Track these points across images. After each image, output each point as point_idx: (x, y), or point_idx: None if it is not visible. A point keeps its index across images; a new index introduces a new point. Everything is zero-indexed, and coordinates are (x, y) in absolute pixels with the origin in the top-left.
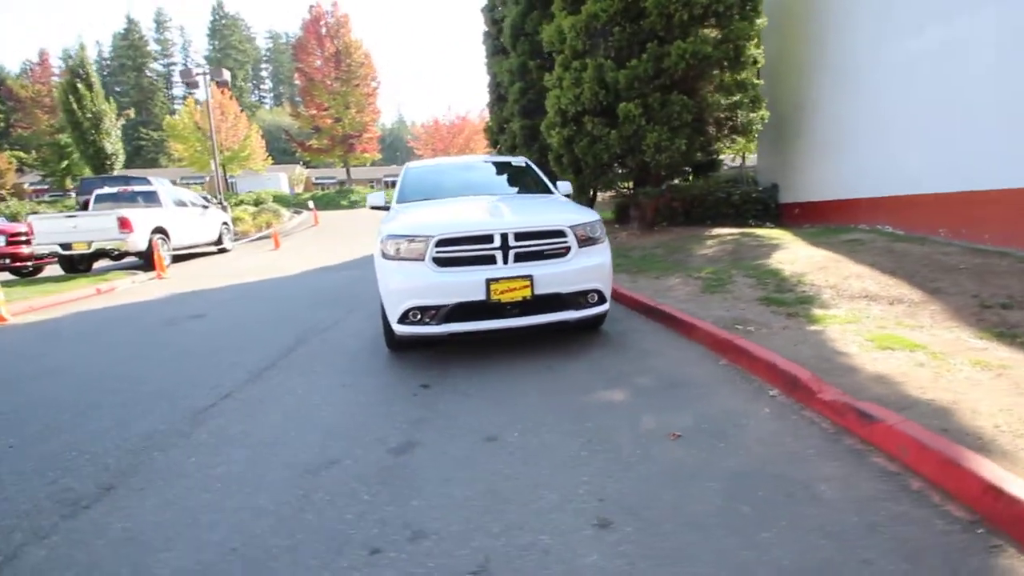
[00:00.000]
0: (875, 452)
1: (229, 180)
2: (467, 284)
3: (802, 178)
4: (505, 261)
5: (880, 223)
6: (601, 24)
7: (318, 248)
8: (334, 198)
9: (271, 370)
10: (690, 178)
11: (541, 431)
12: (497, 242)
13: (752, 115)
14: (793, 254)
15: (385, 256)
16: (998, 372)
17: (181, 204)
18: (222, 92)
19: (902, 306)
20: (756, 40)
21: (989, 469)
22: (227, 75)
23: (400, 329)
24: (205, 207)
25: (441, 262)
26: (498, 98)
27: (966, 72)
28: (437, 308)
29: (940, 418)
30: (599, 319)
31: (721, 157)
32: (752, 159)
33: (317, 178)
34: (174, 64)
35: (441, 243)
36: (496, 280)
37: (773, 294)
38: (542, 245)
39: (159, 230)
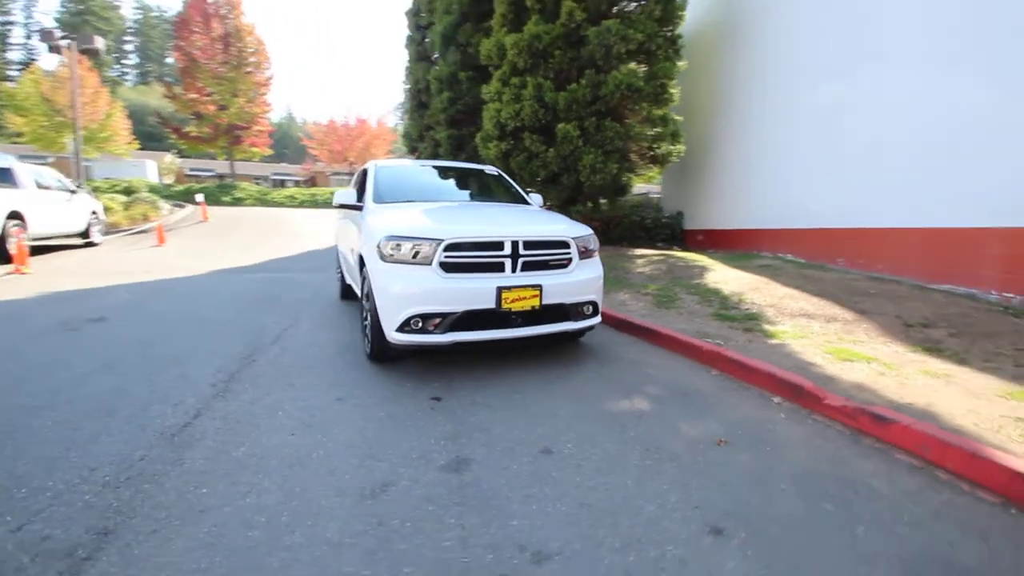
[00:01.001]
0: (895, 449)
1: (84, 164)
2: (477, 291)
3: (707, 208)
4: (514, 269)
5: (781, 251)
6: (543, 46)
7: (218, 247)
8: (214, 192)
9: (237, 383)
10: (602, 201)
11: (595, 441)
12: (507, 250)
13: (672, 148)
14: (723, 275)
15: (383, 258)
16: (945, 380)
17: (43, 187)
18: (80, 62)
19: (838, 324)
20: (676, 80)
21: (1008, 460)
22: (100, 43)
23: (397, 337)
24: (73, 192)
25: (448, 267)
26: (419, 104)
27: (863, 127)
28: (444, 316)
29: (927, 418)
30: (587, 330)
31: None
32: (638, 188)
33: (191, 169)
34: (12, 23)
35: (450, 247)
36: (508, 288)
37: (722, 311)
38: (548, 255)
39: (15, 215)
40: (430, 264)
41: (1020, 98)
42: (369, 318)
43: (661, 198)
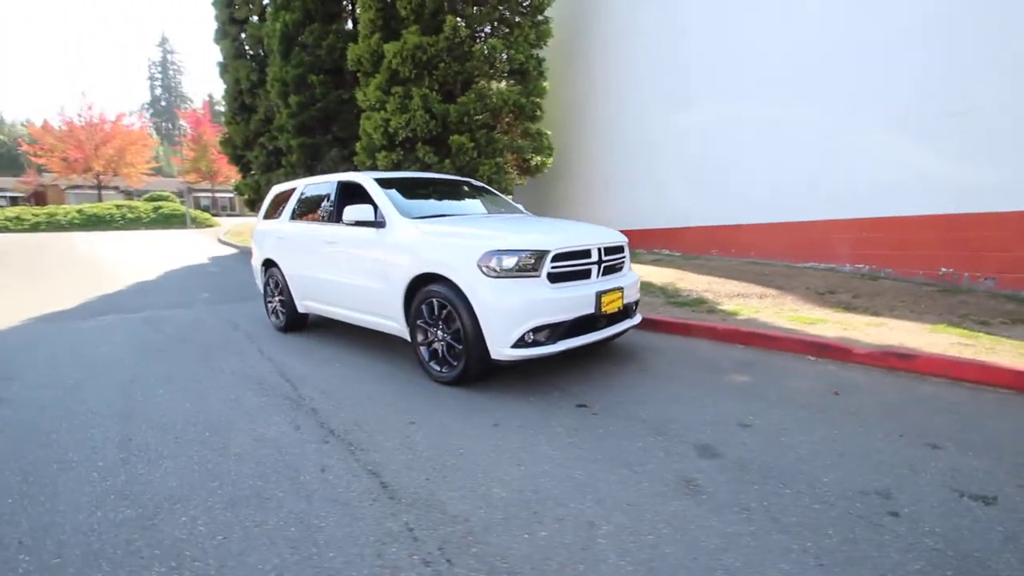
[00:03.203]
0: (924, 375)
1: None
2: (581, 298)
3: (575, 212)
4: (598, 275)
5: (656, 248)
6: (427, 57)
7: None
8: None
9: (362, 436)
10: None
11: (761, 410)
12: (595, 256)
13: (545, 159)
14: (642, 271)
15: (490, 274)
16: (885, 327)
17: None
18: None
19: (769, 299)
20: (544, 98)
21: (1006, 366)
22: None
23: (511, 353)
24: None
25: (553, 277)
26: (242, 107)
27: (728, 141)
28: (557, 325)
29: (914, 350)
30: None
31: None
32: None
33: None
34: None
35: (557, 257)
36: (604, 292)
37: (672, 299)
38: (616, 260)
39: None
40: (539, 276)
41: (847, 119)
42: (457, 338)
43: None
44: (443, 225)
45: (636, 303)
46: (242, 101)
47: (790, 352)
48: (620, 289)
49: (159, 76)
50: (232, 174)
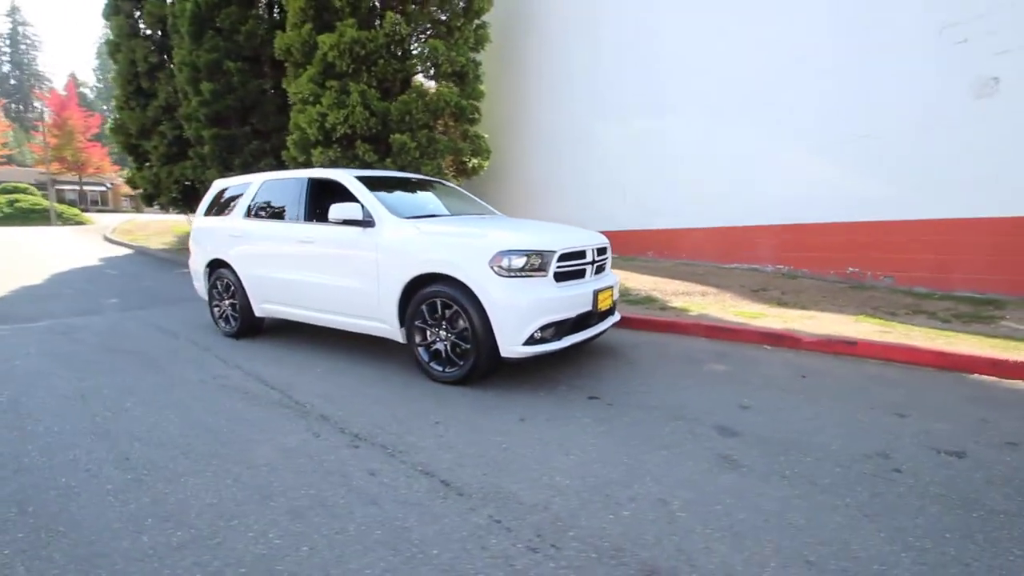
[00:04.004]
0: (864, 358)
1: None
2: (581, 296)
3: (510, 214)
4: (592, 274)
5: None
6: (366, 52)
7: None
8: None
9: (373, 439)
10: None
11: (748, 392)
12: (589, 257)
13: (482, 162)
14: None
15: (501, 273)
16: (815, 319)
17: None
18: None
19: (710, 296)
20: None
21: (928, 347)
22: None
23: (521, 351)
24: None
25: (558, 277)
26: (138, 91)
27: (666, 151)
28: (563, 322)
29: (852, 338)
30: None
31: None
32: None
33: None
34: None
35: (561, 258)
36: (601, 290)
37: (625, 298)
38: (604, 259)
39: None
40: (546, 275)
41: (768, 139)
42: (463, 338)
43: None
44: (443, 225)
45: (616, 301)
46: (138, 84)
47: (749, 343)
48: (611, 287)
49: (7, 50)
50: (106, 165)
